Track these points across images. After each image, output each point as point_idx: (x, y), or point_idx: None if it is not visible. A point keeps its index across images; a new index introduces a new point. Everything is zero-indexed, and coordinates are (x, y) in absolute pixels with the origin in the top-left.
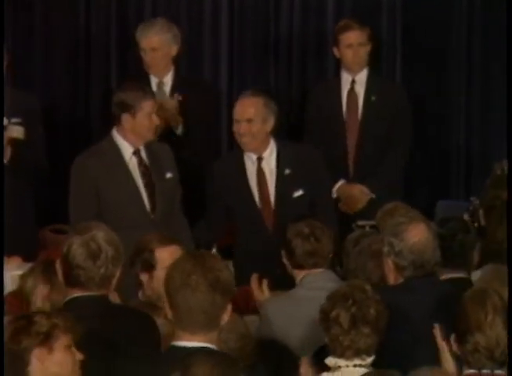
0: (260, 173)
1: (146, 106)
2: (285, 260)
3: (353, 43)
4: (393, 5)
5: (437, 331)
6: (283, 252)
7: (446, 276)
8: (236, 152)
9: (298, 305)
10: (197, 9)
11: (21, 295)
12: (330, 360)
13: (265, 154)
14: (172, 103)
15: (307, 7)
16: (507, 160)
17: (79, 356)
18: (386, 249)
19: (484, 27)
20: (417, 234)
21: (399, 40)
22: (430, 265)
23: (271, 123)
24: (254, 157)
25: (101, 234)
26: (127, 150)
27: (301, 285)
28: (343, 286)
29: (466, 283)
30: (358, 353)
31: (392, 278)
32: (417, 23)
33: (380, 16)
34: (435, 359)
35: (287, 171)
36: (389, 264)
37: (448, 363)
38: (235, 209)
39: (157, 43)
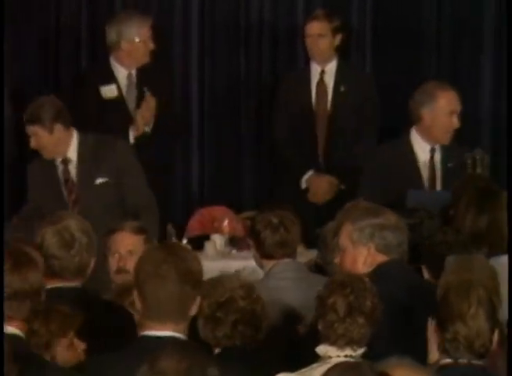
0: None
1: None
2: (253, 250)
3: (312, 34)
4: None
5: (429, 323)
6: (250, 242)
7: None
8: None
9: (269, 294)
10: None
11: None
12: (321, 349)
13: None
14: (152, 103)
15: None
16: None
17: (81, 347)
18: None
19: (453, 19)
20: (389, 217)
21: (369, 30)
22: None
23: None
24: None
25: (73, 223)
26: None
27: (270, 275)
28: (341, 274)
29: None
30: (350, 343)
31: (362, 266)
32: (387, 13)
33: (351, 6)
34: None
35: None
36: (369, 250)
37: (433, 354)
38: None
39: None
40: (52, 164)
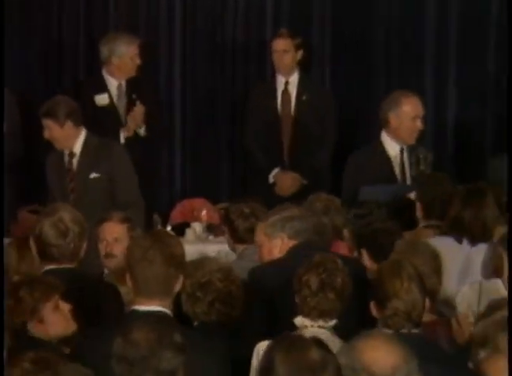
0: None
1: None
2: (227, 236)
3: (278, 49)
4: (322, 18)
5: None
6: (225, 229)
7: None
8: None
9: (241, 273)
10: (154, 20)
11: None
12: (298, 320)
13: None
14: (141, 110)
15: (248, 17)
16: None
17: (67, 308)
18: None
19: (400, 41)
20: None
21: (328, 47)
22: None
23: None
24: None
25: (67, 215)
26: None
27: (242, 256)
28: (317, 256)
29: None
30: (322, 315)
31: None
32: (344, 33)
33: (312, 26)
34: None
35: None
36: (282, 240)
37: None
38: None
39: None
40: (62, 156)
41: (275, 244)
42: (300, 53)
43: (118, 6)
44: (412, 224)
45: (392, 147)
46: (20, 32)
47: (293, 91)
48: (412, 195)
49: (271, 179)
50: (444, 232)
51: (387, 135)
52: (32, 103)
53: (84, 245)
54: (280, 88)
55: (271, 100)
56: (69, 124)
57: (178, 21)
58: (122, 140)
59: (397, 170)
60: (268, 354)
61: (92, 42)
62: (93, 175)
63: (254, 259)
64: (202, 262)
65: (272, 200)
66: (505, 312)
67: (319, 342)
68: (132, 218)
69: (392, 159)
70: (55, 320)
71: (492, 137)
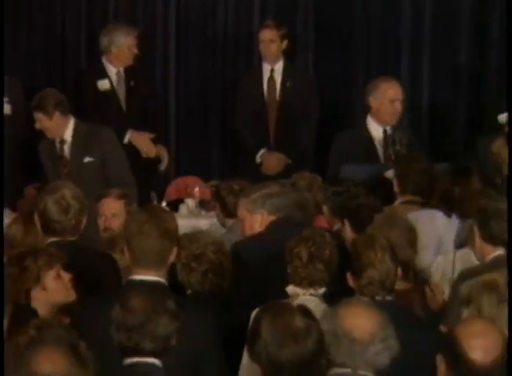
0: None
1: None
2: (218, 211)
3: (264, 39)
4: (306, 9)
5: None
6: (216, 205)
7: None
8: None
9: (230, 244)
10: (151, 15)
11: (7, 239)
12: (290, 289)
13: None
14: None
15: (237, 11)
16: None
17: (67, 277)
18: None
19: (379, 29)
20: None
21: (311, 37)
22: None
23: None
24: None
25: (68, 192)
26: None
27: (231, 230)
28: (307, 230)
29: None
30: (312, 284)
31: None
32: (326, 23)
33: (296, 17)
34: None
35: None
36: (262, 215)
37: None
38: None
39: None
40: (53, 143)
41: (255, 219)
42: (285, 43)
43: (118, 3)
44: (386, 200)
45: (375, 129)
46: (28, 28)
47: (278, 78)
48: (390, 173)
49: (258, 159)
50: (422, 205)
51: (370, 118)
52: (37, 90)
53: (84, 220)
54: (266, 75)
55: (258, 87)
56: (57, 115)
57: (173, 16)
58: (126, 140)
59: (379, 150)
60: (256, 320)
61: (93, 36)
62: (87, 160)
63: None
64: (196, 235)
65: (258, 178)
66: (490, 276)
67: (304, 310)
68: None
69: (375, 139)
70: (57, 288)
71: (463, 118)
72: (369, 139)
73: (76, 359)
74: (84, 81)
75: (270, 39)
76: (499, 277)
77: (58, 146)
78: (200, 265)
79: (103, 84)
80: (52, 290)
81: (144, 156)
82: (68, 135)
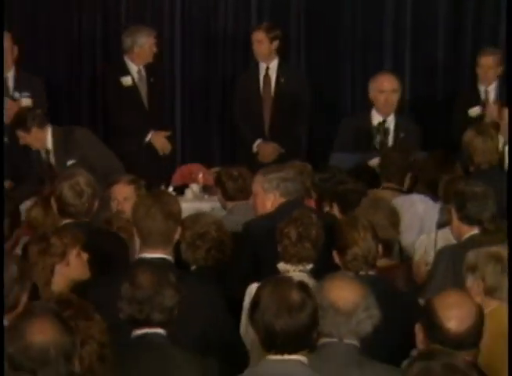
0: None
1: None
2: (219, 195)
3: (255, 40)
4: (298, 12)
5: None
6: (217, 190)
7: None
8: None
9: (230, 225)
10: (158, 15)
11: (28, 221)
12: (280, 266)
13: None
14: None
15: (236, 13)
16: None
17: (85, 257)
18: (274, 183)
19: (363, 33)
20: (289, 172)
21: (303, 37)
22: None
23: None
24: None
25: (81, 179)
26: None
27: (232, 212)
28: (296, 212)
29: None
30: (300, 261)
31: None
32: (317, 25)
33: (289, 19)
34: None
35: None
36: (275, 196)
37: None
38: None
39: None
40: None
41: (268, 198)
42: (275, 44)
43: (129, 5)
44: (369, 186)
45: (375, 118)
46: (47, 29)
47: (273, 75)
48: (374, 161)
49: (254, 149)
50: (406, 192)
51: (373, 108)
52: (56, 85)
53: (96, 203)
54: (262, 73)
55: (254, 83)
56: (35, 129)
57: (178, 16)
58: (148, 139)
59: (377, 138)
60: (258, 289)
61: (106, 36)
62: (70, 162)
63: (242, 213)
64: (199, 216)
65: (255, 166)
66: (496, 248)
67: (302, 286)
68: None
69: (374, 127)
70: (78, 265)
71: (440, 109)
72: (368, 126)
73: (64, 328)
74: (109, 76)
75: (259, 40)
76: (503, 250)
77: (44, 156)
78: (204, 243)
79: (126, 81)
80: (74, 266)
81: (160, 154)
82: (49, 143)
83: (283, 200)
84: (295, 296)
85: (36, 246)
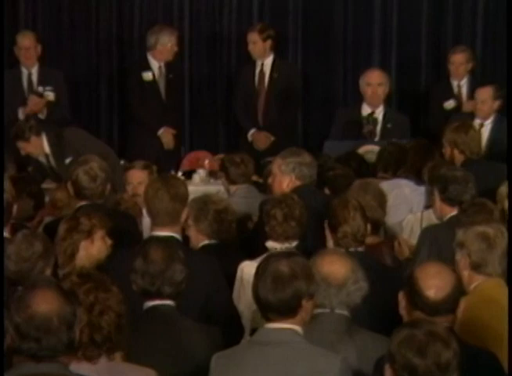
0: None
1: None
2: (223, 179)
3: (248, 40)
4: (296, 12)
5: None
6: (222, 174)
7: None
8: None
9: (234, 207)
10: (168, 16)
11: (53, 202)
12: (269, 244)
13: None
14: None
15: (240, 13)
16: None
17: (109, 242)
18: (291, 166)
19: (355, 32)
20: (306, 157)
21: (300, 35)
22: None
23: None
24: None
25: (95, 164)
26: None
27: (234, 195)
28: (279, 194)
29: None
30: (287, 239)
31: (286, 188)
32: (313, 25)
33: (287, 19)
34: None
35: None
36: (291, 179)
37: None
38: None
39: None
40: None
41: (284, 179)
42: (268, 42)
43: (142, 11)
44: (356, 172)
45: (366, 109)
46: (69, 28)
47: (267, 71)
48: (362, 149)
49: (249, 138)
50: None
51: (364, 100)
52: (76, 80)
53: (109, 187)
54: (258, 68)
55: (251, 78)
56: (33, 138)
57: (187, 17)
58: (159, 133)
59: (366, 127)
60: (261, 262)
61: (122, 34)
62: (67, 160)
63: (243, 195)
64: (208, 197)
65: (254, 153)
66: (483, 228)
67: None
68: (111, 164)
69: (363, 117)
70: (101, 247)
71: (422, 101)
72: (358, 117)
73: (66, 300)
74: (132, 71)
75: (253, 41)
76: (490, 230)
77: (45, 161)
78: (227, 216)
79: (148, 76)
80: (98, 247)
81: (165, 148)
82: (46, 148)
83: (298, 182)
84: (284, 268)
85: (66, 224)
